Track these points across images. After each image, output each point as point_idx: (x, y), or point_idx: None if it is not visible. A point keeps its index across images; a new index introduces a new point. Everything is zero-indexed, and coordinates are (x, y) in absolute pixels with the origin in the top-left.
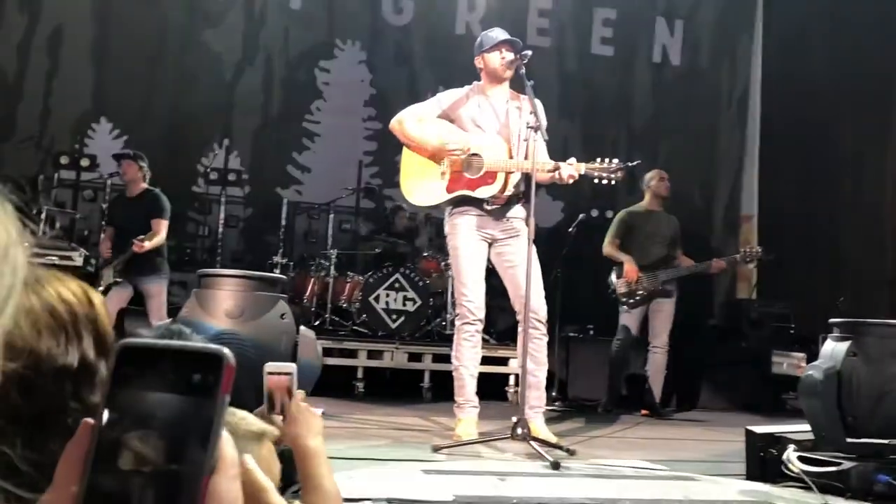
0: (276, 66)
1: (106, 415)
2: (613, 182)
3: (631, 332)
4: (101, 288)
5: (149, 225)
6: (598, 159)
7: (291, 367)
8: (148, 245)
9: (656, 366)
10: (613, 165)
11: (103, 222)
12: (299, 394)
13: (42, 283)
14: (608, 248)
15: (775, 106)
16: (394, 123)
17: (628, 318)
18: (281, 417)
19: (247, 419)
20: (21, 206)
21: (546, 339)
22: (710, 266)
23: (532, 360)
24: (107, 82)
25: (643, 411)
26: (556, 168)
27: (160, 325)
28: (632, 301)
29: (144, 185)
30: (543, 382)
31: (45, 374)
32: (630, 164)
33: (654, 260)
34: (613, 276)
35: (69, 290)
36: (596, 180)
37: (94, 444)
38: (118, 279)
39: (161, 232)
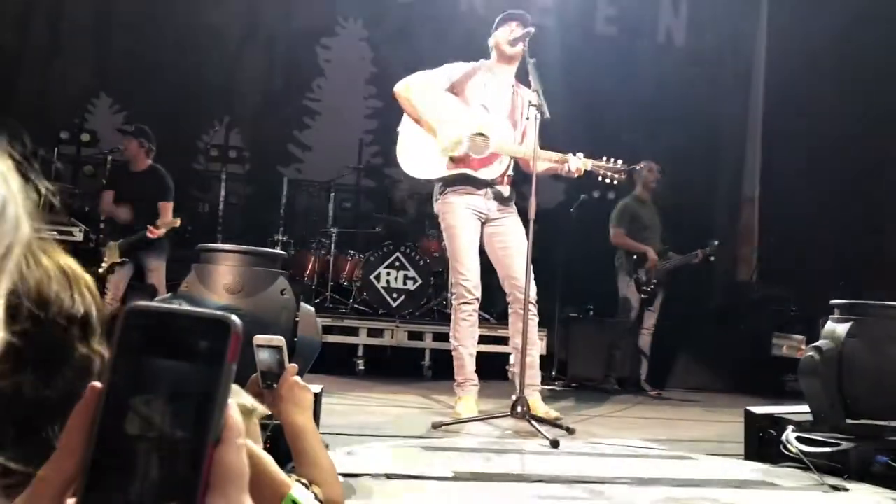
0: (278, 43)
1: (112, 379)
2: (615, 182)
3: (633, 318)
4: (105, 265)
5: (152, 202)
6: (605, 158)
7: (280, 339)
8: (161, 232)
9: (644, 347)
10: (619, 166)
11: (104, 181)
12: (291, 368)
13: (51, 250)
14: (619, 237)
15: (779, 88)
16: (400, 89)
17: (635, 302)
18: (271, 392)
19: (239, 395)
20: (24, 157)
21: (537, 318)
22: (696, 256)
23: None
24: (107, 58)
25: (651, 391)
26: (564, 160)
27: (162, 299)
28: (649, 289)
29: (149, 162)
30: (537, 361)
31: (53, 314)
32: (634, 167)
33: (659, 250)
34: (634, 270)
35: (69, 259)
36: (600, 178)
37: (100, 408)
38: (125, 258)
39: (169, 214)
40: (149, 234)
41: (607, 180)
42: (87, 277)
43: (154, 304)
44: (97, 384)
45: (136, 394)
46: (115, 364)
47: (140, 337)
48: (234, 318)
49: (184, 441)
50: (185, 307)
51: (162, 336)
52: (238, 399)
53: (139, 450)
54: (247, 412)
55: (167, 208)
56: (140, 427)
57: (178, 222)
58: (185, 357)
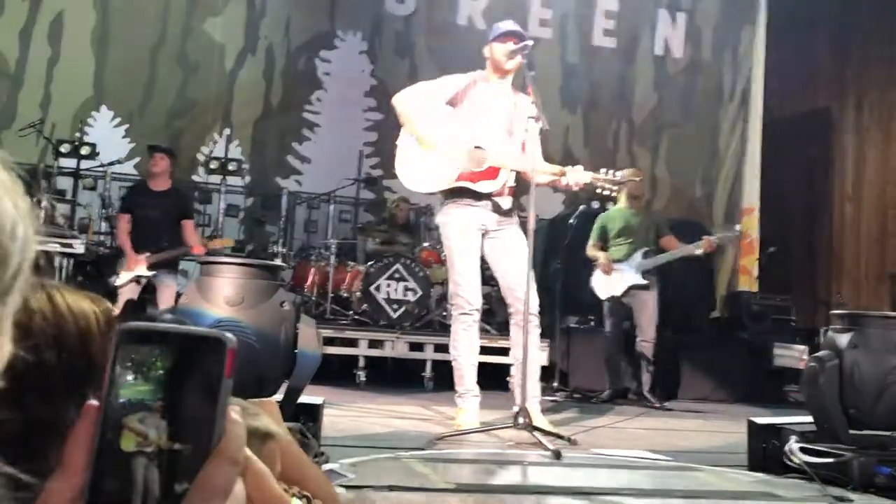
0: (277, 55)
1: (108, 397)
2: (615, 194)
3: (616, 327)
4: (128, 278)
5: (174, 220)
6: (604, 171)
7: None
8: (204, 250)
9: (643, 358)
10: (618, 178)
11: (109, 209)
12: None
13: (50, 290)
14: (589, 250)
15: (777, 98)
16: (398, 100)
17: (609, 312)
18: None
19: (258, 417)
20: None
21: (539, 330)
22: (700, 245)
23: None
24: (108, 70)
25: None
26: (562, 173)
27: (160, 312)
28: (609, 297)
29: (170, 182)
30: (538, 373)
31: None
32: (634, 180)
33: (627, 256)
34: (593, 276)
35: (80, 304)
36: (599, 189)
37: (98, 427)
38: (151, 272)
39: (193, 231)
40: (194, 251)
41: (605, 192)
42: (100, 315)
43: (148, 323)
44: (94, 402)
45: (131, 411)
46: (111, 382)
47: (135, 355)
48: (229, 335)
49: (182, 453)
50: (179, 326)
51: (157, 354)
52: (254, 421)
53: (137, 464)
54: (261, 435)
55: (190, 226)
56: (135, 443)
57: (231, 242)
58: (182, 374)
